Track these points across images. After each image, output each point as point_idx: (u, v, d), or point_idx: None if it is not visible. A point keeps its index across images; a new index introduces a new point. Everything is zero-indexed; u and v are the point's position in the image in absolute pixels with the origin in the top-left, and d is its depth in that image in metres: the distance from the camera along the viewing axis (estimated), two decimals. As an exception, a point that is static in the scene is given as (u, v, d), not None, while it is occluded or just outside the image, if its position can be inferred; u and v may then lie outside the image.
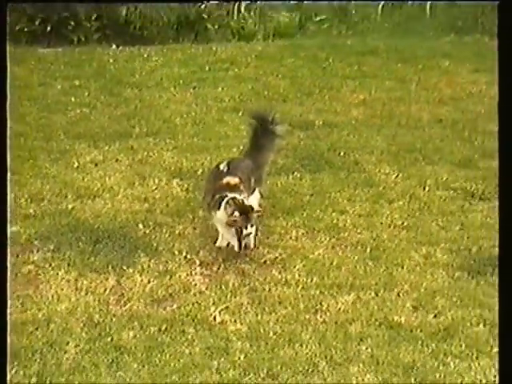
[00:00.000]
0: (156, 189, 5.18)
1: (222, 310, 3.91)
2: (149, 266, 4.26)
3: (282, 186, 5.27)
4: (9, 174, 5.14)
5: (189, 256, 4.37)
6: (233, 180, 4.42)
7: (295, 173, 5.48)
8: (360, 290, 4.12)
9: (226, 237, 4.42)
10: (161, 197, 5.07)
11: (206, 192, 4.62)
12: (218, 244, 4.49)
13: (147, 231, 4.63)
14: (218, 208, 4.32)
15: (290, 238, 4.64)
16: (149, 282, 4.12)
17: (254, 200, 4.50)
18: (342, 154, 5.84)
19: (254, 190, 4.59)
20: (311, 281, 4.19)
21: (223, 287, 4.11)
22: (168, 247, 4.46)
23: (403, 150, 5.99)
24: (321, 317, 3.90)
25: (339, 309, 3.96)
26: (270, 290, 4.10)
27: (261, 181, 4.74)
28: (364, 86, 7.49)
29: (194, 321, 3.82)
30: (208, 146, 5.86)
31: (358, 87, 7.44)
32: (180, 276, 4.19)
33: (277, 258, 4.40)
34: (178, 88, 7.27)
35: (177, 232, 4.63)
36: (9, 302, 3.82)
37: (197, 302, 3.97)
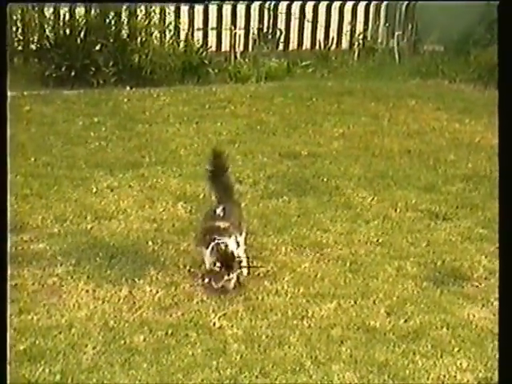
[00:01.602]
0: (163, 211, 5.15)
1: (220, 316, 3.87)
2: (157, 278, 4.22)
3: (272, 209, 5.25)
4: (37, 198, 5.23)
5: (192, 269, 4.34)
6: (223, 224, 4.18)
7: (284, 197, 5.46)
8: (341, 298, 4.09)
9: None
10: (167, 218, 5.04)
11: (200, 231, 4.39)
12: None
13: (156, 248, 4.59)
14: (207, 248, 4.14)
15: (280, 253, 4.60)
16: (157, 292, 4.08)
17: (242, 239, 4.30)
18: (324, 180, 5.83)
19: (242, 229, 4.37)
20: (298, 291, 4.15)
21: (222, 296, 4.07)
22: (174, 262, 4.42)
23: (377, 176, 5.98)
24: (307, 322, 3.86)
25: (323, 315, 3.93)
26: (262, 299, 4.07)
27: (244, 219, 4.56)
28: (343, 121, 7.50)
29: (196, 326, 3.78)
30: (208, 173, 5.84)
31: (337, 122, 7.45)
32: (184, 287, 4.15)
33: (268, 271, 4.37)
34: (182, 123, 7.26)
35: (181, 248, 4.60)
36: (35, 310, 3.84)
37: (198, 310, 3.93)
